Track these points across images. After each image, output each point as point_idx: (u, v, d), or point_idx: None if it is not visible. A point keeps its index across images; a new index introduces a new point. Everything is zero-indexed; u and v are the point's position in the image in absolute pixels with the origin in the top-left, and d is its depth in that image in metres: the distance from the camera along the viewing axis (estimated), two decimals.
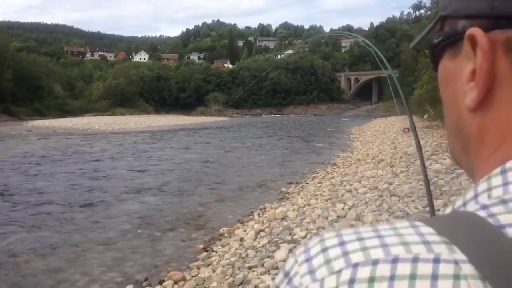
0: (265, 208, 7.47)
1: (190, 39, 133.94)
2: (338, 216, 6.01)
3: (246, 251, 5.10)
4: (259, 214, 7.14)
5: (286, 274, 0.31)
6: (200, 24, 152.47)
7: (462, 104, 0.36)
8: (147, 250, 5.75)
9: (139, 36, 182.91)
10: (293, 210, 6.78)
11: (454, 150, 0.41)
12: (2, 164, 13.71)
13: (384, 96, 63.67)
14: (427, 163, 8.70)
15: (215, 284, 4.25)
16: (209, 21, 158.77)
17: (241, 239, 5.61)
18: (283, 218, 6.34)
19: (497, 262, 0.26)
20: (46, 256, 5.62)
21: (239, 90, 68.04)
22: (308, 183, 9.64)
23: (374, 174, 9.17)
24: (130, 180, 11.06)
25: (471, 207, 0.32)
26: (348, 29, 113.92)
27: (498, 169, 0.32)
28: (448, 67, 0.38)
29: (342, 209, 6.39)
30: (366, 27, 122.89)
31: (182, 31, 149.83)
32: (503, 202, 0.30)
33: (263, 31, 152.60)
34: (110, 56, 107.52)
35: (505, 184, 0.31)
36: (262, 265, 4.51)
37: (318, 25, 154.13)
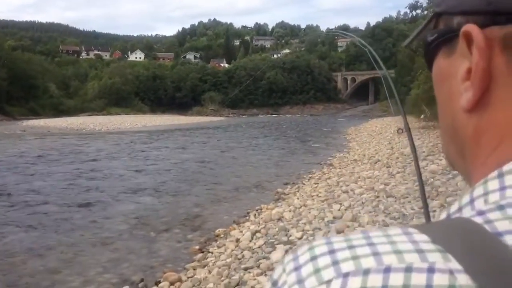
0: (261, 209, 7.46)
1: (186, 38, 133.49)
2: (334, 217, 6.01)
3: (242, 252, 5.09)
4: (255, 215, 7.13)
5: (274, 283, 0.29)
6: (196, 23, 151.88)
7: (457, 104, 0.35)
8: (143, 251, 5.73)
9: (135, 35, 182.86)
10: (289, 211, 6.77)
11: (449, 152, 0.39)
12: None
13: (381, 96, 63.81)
14: (423, 163, 8.73)
15: (211, 285, 4.24)
16: (205, 20, 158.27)
17: (237, 240, 5.60)
18: (279, 219, 6.33)
19: (494, 272, 0.25)
20: (42, 256, 5.59)
21: (236, 90, 68.06)
22: (304, 184, 9.64)
23: (370, 175, 9.19)
24: (126, 180, 11.02)
25: (467, 212, 0.30)
26: (345, 28, 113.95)
27: (495, 173, 0.31)
28: (443, 66, 0.37)
29: (339, 210, 6.39)
30: (362, 26, 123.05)
31: (178, 30, 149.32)
32: (500, 207, 0.28)
33: (260, 30, 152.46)
34: (106, 55, 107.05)
35: (502, 188, 0.30)
36: (258, 266, 4.51)
37: (314, 25, 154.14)
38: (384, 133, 21.86)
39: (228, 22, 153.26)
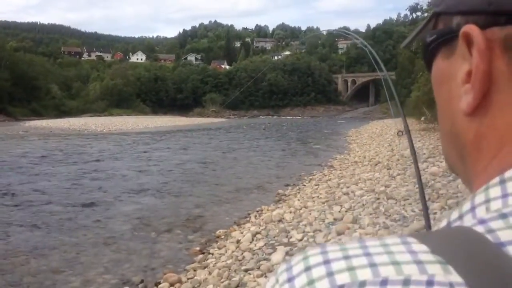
0: (262, 210, 7.46)
1: (187, 40, 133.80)
2: (334, 219, 6.00)
3: (242, 253, 5.09)
4: (255, 216, 7.13)
5: None
6: (197, 25, 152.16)
7: (457, 108, 0.33)
8: (144, 252, 5.74)
9: (136, 36, 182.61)
10: (290, 212, 6.77)
11: (449, 156, 0.38)
12: (0, 164, 13.68)
13: (381, 98, 63.87)
14: (424, 165, 8.72)
15: (211, 286, 4.24)
16: (206, 22, 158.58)
17: (238, 241, 5.60)
18: (280, 221, 6.34)
19: (497, 286, 0.24)
20: (45, 256, 5.61)
21: (236, 91, 68.13)
22: (305, 185, 9.65)
23: (371, 177, 9.19)
24: (128, 181, 11.06)
25: (468, 221, 0.29)
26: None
27: (496, 179, 0.30)
28: (442, 68, 0.36)
29: (339, 211, 6.39)
30: (363, 28, 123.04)
31: (179, 32, 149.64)
32: (503, 216, 0.27)
33: (260, 32, 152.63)
34: (107, 57, 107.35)
35: (505, 196, 0.29)
36: (259, 268, 4.51)
37: (315, 27, 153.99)
38: (384, 135, 21.85)
39: (229, 24, 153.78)
